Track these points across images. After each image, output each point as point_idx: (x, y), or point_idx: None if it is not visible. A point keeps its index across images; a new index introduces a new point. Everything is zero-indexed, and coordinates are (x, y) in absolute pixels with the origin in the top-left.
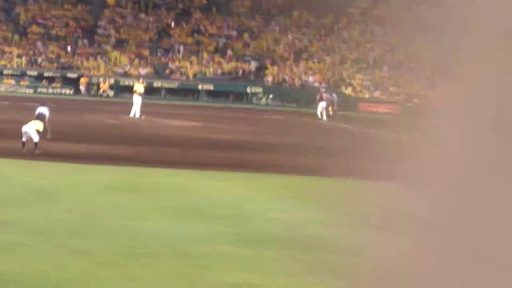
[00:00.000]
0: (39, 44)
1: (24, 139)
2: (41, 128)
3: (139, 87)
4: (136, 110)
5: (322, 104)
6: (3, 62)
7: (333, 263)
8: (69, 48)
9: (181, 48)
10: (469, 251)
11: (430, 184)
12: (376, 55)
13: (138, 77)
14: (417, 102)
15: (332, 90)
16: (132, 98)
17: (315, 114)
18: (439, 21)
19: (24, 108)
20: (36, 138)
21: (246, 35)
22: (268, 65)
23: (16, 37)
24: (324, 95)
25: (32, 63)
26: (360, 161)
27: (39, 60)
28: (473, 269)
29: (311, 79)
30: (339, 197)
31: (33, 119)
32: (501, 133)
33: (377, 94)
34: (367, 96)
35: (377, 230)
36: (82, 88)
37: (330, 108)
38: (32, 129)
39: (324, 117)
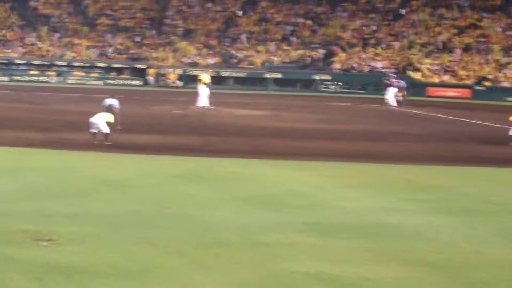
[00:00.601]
0: (107, 35)
1: (93, 130)
2: (111, 120)
3: (206, 77)
4: (203, 100)
5: (392, 90)
6: (72, 54)
7: (401, 250)
8: (138, 39)
9: (247, 37)
10: None
11: None
12: (445, 38)
13: (204, 67)
14: (487, 85)
15: (400, 76)
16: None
17: (384, 100)
18: (507, 1)
19: (94, 100)
20: (106, 129)
21: (313, 22)
22: (336, 52)
23: (85, 29)
24: (394, 81)
25: (101, 55)
26: (428, 146)
27: (108, 51)
28: None
29: (379, 65)
30: (407, 183)
31: (101, 111)
32: None
33: (446, 78)
34: (436, 80)
35: (445, 215)
36: (150, 78)
37: (400, 94)
38: (101, 120)
39: (394, 103)
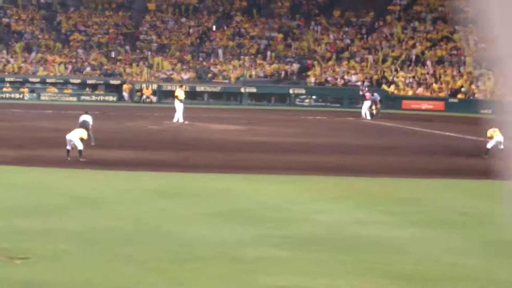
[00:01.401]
0: (81, 51)
1: (68, 147)
2: (85, 136)
3: (180, 92)
4: (179, 115)
5: (366, 103)
6: (45, 72)
7: (377, 262)
8: (112, 55)
9: (222, 52)
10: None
11: None
12: (418, 51)
13: (179, 83)
14: (461, 98)
15: (374, 89)
16: (174, 104)
17: (359, 113)
18: (479, 14)
19: (68, 116)
20: (80, 146)
21: (287, 36)
22: (310, 66)
23: (58, 45)
24: (367, 95)
25: (74, 71)
26: (404, 159)
27: (82, 67)
28: None
29: (353, 78)
30: (383, 196)
31: (77, 127)
32: None
33: (420, 91)
34: (410, 93)
35: (422, 227)
36: (125, 94)
37: (373, 107)
38: (75, 137)
39: (368, 116)
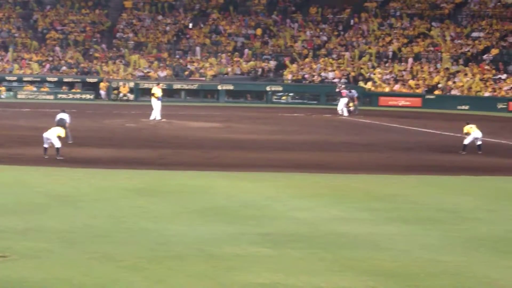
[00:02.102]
0: (57, 50)
1: (45, 145)
2: (62, 134)
3: (157, 90)
4: (156, 113)
5: (343, 100)
6: (22, 70)
7: (356, 259)
8: (90, 52)
9: (199, 49)
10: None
11: None
12: (395, 48)
13: (156, 81)
14: (437, 94)
15: (351, 86)
16: (151, 102)
17: (336, 110)
18: (455, 10)
19: (45, 115)
20: (58, 144)
21: (264, 34)
22: (287, 63)
23: (35, 43)
24: (344, 92)
25: (51, 69)
26: (381, 156)
27: (59, 66)
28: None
29: (330, 75)
30: (361, 192)
31: (54, 126)
32: None
33: (396, 87)
34: (387, 90)
35: (400, 224)
36: (102, 92)
37: (350, 104)
38: (53, 135)
39: (345, 113)
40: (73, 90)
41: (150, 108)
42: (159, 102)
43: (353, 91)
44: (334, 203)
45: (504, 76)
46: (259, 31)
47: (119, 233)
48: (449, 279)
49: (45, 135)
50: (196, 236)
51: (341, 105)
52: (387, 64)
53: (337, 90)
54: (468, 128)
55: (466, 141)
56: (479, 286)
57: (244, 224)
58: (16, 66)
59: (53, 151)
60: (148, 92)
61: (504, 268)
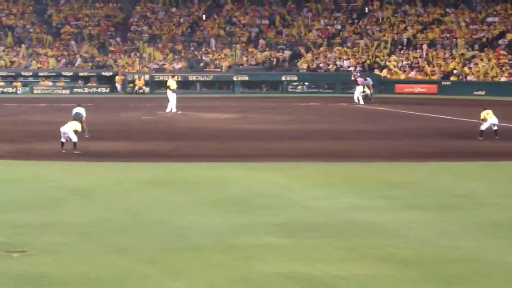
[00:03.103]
0: (73, 44)
1: (62, 139)
2: (79, 128)
3: (172, 82)
4: (172, 105)
5: (358, 89)
6: (38, 65)
7: (372, 247)
8: (105, 45)
9: (213, 41)
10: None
11: None
12: (409, 34)
13: (171, 73)
14: (453, 80)
15: (366, 74)
16: (167, 94)
17: (352, 98)
18: None
19: (61, 109)
20: (74, 138)
21: (278, 23)
22: (302, 52)
23: (50, 38)
24: (359, 80)
25: (67, 63)
26: (397, 143)
27: (74, 60)
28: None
29: (345, 63)
30: (377, 180)
31: (70, 120)
32: None
33: (412, 74)
34: (402, 77)
35: (417, 210)
36: (118, 86)
37: (365, 89)
38: (70, 129)
39: (361, 101)
40: (89, 84)
41: (165, 100)
42: (174, 94)
43: (368, 78)
44: (350, 191)
45: None
46: (273, 21)
47: (136, 225)
48: (467, 265)
49: (62, 129)
50: (212, 227)
51: (357, 94)
52: (402, 51)
53: (353, 78)
54: (485, 114)
55: (483, 126)
56: (498, 271)
57: (260, 214)
58: (33, 62)
59: (70, 146)
60: (163, 85)
61: None
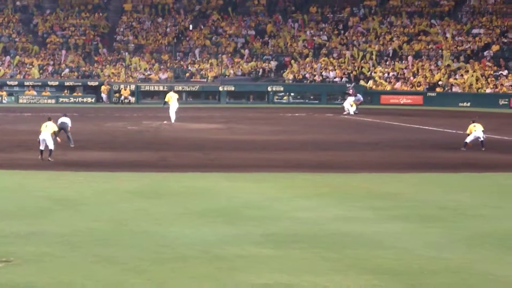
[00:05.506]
0: (63, 53)
1: (41, 147)
2: (55, 129)
3: (173, 95)
4: (172, 115)
5: (350, 98)
6: (23, 74)
7: (359, 258)
8: (91, 55)
9: (199, 51)
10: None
11: None
12: (395, 46)
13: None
14: (439, 91)
15: (358, 89)
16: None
17: (338, 109)
18: (455, 7)
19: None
20: (51, 145)
21: (264, 34)
22: (288, 63)
23: (36, 48)
24: (351, 90)
25: (52, 73)
26: (383, 154)
27: (60, 70)
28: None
29: (331, 74)
30: (363, 191)
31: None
32: None
33: (398, 85)
34: (388, 88)
35: (403, 222)
36: (103, 95)
37: (352, 103)
38: (47, 134)
39: (351, 111)
40: (75, 94)
41: (151, 110)
42: (172, 105)
43: (359, 95)
44: (337, 202)
45: (505, 72)
46: (259, 32)
47: (122, 236)
48: (452, 276)
49: (41, 137)
50: (198, 238)
51: (348, 103)
52: (387, 63)
53: (347, 92)
54: (471, 127)
55: (468, 139)
56: (484, 283)
57: (247, 225)
58: (19, 71)
59: (46, 154)
60: (149, 95)
61: (510, 264)
